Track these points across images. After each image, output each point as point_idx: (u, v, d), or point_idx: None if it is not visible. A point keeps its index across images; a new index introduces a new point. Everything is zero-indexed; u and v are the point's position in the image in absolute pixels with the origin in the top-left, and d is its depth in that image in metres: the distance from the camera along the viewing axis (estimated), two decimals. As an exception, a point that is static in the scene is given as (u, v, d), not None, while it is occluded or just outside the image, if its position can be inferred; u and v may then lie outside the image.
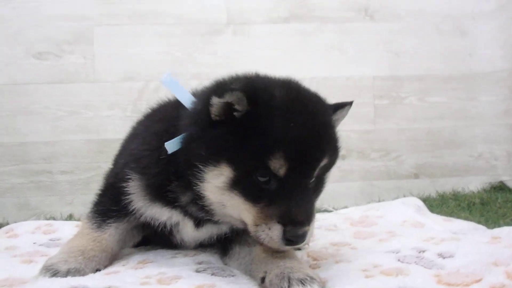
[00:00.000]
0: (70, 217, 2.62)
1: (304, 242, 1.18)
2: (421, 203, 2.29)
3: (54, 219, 2.60)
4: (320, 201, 2.68)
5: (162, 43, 2.75)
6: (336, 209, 2.57)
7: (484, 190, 2.90)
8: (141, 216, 1.40)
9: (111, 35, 2.71)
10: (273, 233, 1.13)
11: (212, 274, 1.29)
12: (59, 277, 1.27)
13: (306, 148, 1.17)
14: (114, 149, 2.65)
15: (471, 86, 2.93)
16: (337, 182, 2.85)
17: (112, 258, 1.44)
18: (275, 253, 1.25)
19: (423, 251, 1.41)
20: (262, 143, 1.14)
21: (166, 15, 2.75)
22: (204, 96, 1.28)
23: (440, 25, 2.90)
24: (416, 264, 1.29)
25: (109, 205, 1.44)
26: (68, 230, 1.96)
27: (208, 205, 1.25)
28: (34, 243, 1.77)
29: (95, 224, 1.44)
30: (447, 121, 2.92)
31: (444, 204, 2.62)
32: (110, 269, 1.37)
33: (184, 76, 2.75)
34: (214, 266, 1.37)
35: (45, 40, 2.68)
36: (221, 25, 2.78)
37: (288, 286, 1.13)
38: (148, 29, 2.74)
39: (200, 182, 1.20)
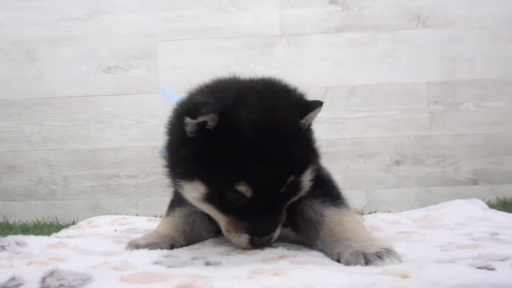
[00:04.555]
0: (135, 219, 2.79)
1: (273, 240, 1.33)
2: (484, 204, 2.24)
3: (121, 220, 2.78)
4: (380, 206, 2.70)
5: (220, 56, 2.94)
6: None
7: (547, 197, 2.78)
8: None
9: (173, 50, 2.94)
10: (241, 240, 1.31)
11: (288, 249, 1.36)
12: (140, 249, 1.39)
13: (268, 174, 1.23)
14: (176, 155, 2.86)
15: (530, 90, 2.88)
16: (392, 188, 2.85)
17: (187, 239, 1.54)
18: (344, 235, 1.27)
19: (497, 234, 1.41)
20: (229, 168, 1.23)
21: (223, 30, 2.95)
22: (178, 113, 1.37)
23: (495, 30, 2.89)
24: (493, 241, 1.29)
25: (174, 198, 1.66)
26: (142, 222, 2.15)
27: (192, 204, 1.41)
28: (115, 230, 1.96)
29: (167, 213, 1.66)
30: (506, 126, 2.87)
31: (507, 209, 2.54)
32: (191, 247, 1.48)
33: (241, 86, 2.91)
34: (284, 241, 1.45)
35: (115, 56, 2.95)
36: (275, 37, 2.94)
37: (365, 262, 1.12)
38: (207, 43, 2.95)
39: (182, 190, 1.37)
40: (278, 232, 1.34)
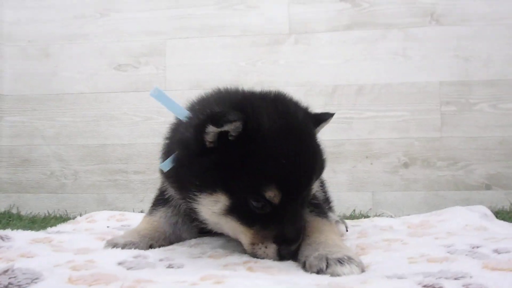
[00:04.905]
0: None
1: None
2: (489, 212, 2.13)
3: (126, 215, 2.86)
4: (382, 209, 2.62)
5: (227, 54, 2.94)
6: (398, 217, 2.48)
7: None
8: (178, 204, 1.56)
9: (181, 48, 2.97)
10: (269, 251, 1.26)
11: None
12: (118, 248, 1.42)
13: (298, 176, 1.25)
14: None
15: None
16: (399, 191, 2.76)
17: (168, 240, 1.58)
18: (317, 240, 1.29)
19: (478, 247, 1.33)
20: (256, 174, 1.21)
21: (232, 28, 2.94)
22: (194, 124, 1.28)
23: (514, 27, 2.72)
24: (467, 256, 1.22)
25: (158, 197, 1.69)
26: (138, 219, 2.17)
27: (204, 221, 1.38)
28: (107, 226, 2.04)
29: (149, 212, 1.68)
30: (523, 129, 2.70)
31: (521, 217, 2.39)
32: (166, 247, 1.51)
33: (248, 85, 2.88)
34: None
35: (125, 53, 3.01)
36: (283, 35, 2.90)
37: (326, 267, 1.13)
38: (215, 41, 2.95)
39: (197, 204, 1.31)
40: (301, 239, 1.30)
